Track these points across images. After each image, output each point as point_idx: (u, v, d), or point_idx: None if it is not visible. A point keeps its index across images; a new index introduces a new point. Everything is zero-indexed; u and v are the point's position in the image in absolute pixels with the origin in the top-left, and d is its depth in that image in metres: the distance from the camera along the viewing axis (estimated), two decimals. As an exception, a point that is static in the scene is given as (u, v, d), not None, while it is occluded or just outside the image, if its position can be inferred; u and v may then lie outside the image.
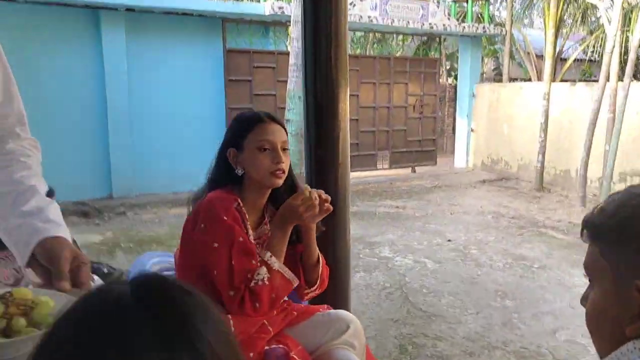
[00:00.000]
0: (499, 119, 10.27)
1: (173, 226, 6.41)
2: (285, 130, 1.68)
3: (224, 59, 8.08)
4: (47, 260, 0.96)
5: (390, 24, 9.31)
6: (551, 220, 6.74)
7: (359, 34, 15.09)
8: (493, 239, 5.87)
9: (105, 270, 3.71)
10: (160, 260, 1.87)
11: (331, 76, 2.24)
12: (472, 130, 10.90)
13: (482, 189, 9.07)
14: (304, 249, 1.68)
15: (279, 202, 1.65)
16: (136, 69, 7.49)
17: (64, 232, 1.01)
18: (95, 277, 2.88)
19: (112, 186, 7.55)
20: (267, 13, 8.03)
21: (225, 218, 1.50)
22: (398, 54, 14.94)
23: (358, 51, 15.56)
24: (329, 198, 1.60)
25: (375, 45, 16.24)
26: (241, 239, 1.51)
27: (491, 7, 14.13)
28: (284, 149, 1.63)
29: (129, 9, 7.25)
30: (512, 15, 11.28)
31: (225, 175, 1.64)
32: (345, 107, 2.28)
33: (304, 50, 2.30)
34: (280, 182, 1.61)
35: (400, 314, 3.83)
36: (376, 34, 14.80)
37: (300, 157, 6.83)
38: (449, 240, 5.75)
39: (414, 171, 10.41)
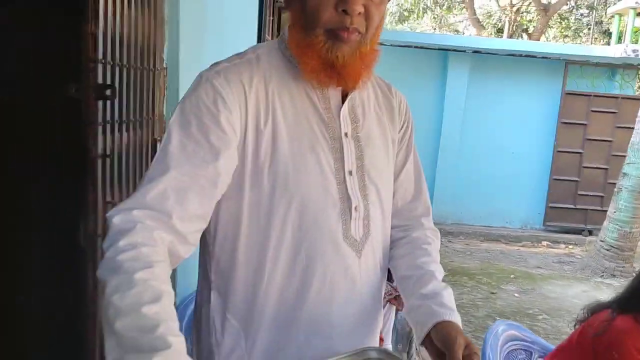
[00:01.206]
0: None
1: (483, 260, 6.71)
2: None
3: (560, 101, 7.96)
4: (442, 343, 1.00)
5: None
6: None
7: None
8: None
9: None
10: (513, 335, 2.09)
11: None
12: None
13: None
14: None
15: None
16: (473, 106, 7.99)
17: (457, 318, 1.07)
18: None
19: (433, 211, 8.20)
20: (617, 55, 7.57)
21: (638, 357, 1.64)
22: None
23: None
24: None
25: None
26: None
27: None
28: None
29: (476, 51, 7.79)
30: None
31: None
32: None
33: None
34: None
35: None
36: None
37: (635, 214, 6.34)
38: None
39: None
